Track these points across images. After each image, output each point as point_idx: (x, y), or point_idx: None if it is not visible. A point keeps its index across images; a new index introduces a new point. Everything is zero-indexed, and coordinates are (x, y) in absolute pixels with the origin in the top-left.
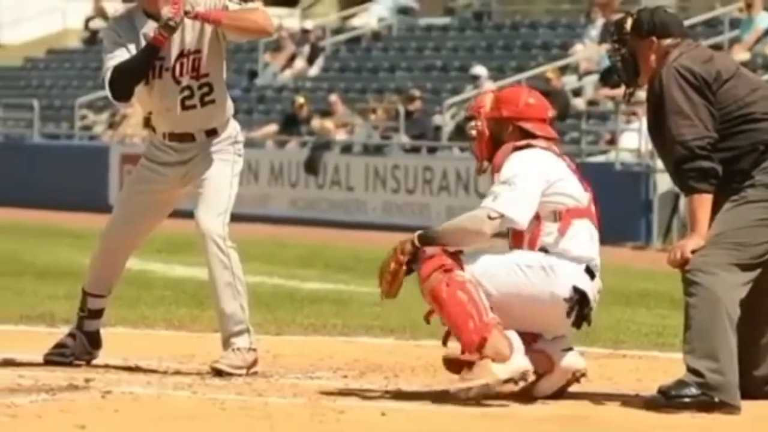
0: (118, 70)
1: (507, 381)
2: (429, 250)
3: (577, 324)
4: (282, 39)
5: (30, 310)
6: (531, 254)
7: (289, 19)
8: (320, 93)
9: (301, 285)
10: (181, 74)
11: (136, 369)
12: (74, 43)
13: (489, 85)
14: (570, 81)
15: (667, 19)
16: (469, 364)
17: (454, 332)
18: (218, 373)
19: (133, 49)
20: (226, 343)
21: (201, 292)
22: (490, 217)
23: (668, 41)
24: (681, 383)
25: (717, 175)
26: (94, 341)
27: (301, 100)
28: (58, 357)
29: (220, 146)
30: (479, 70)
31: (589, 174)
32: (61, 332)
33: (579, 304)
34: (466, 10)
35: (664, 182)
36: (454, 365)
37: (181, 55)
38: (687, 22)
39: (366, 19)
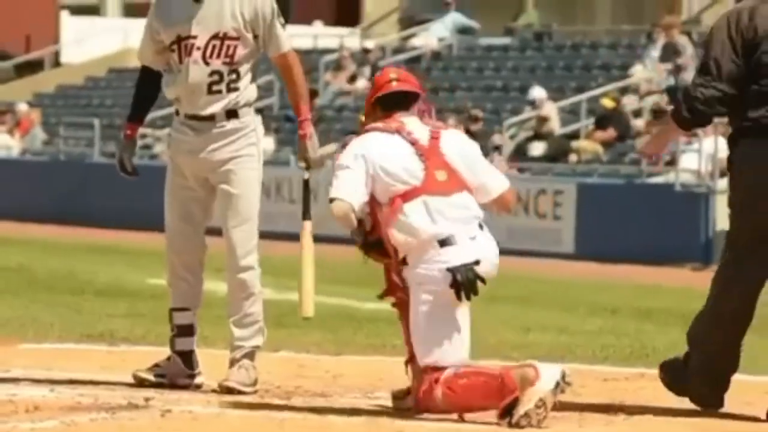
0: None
1: (556, 388)
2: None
3: (466, 295)
4: (343, 58)
5: (90, 328)
6: (415, 291)
7: (349, 39)
8: None
9: (360, 305)
10: (211, 57)
11: (195, 388)
12: (135, 63)
13: (549, 106)
14: (630, 102)
15: None
16: (514, 402)
17: (492, 407)
18: (229, 391)
19: (156, 34)
20: (233, 361)
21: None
22: (331, 202)
23: None
24: None
25: None
26: (189, 360)
27: (362, 118)
28: (144, 373)
29: (240, 135)
30: (537, 92)
31: (649, 195)
32: (121, 351)
33: (461, 279)
34: (526, 30)
35: (723, 203)
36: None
37: (215, 37)
38: None
39: (426, 39)
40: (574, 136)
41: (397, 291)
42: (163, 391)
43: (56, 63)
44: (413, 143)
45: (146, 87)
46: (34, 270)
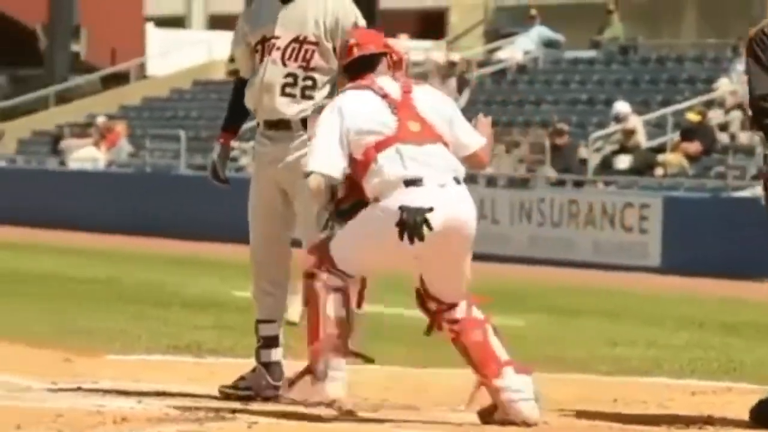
0: (235, 83)
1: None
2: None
3: (409, 236)
4: (428, 71)
5: (177, 340)
6: (365, 209)
7: (435, 52)
8: None
9: None
10: (289, 59)
11: (281, 399)
12: (220, 75)
13: (635, 120)
14: (716, 115)
15: None
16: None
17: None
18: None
19: (246, 37)
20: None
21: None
22: (305, 176)
23: None
24: None
25: None
26: (275, 372)
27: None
28: (230, 389)
29: None
30: (620, 107)
31: (735, 208)
32: (208, 362)
33: (407, 220)
34: (612, 43)
35: None
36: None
37: (296, 40)
38: None
39: (512, 52)
40: (660, 149)
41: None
42: (249, 403)
43: (142, 75)
44: (384, 96)
45: (241, 97)
46: (121, 282)
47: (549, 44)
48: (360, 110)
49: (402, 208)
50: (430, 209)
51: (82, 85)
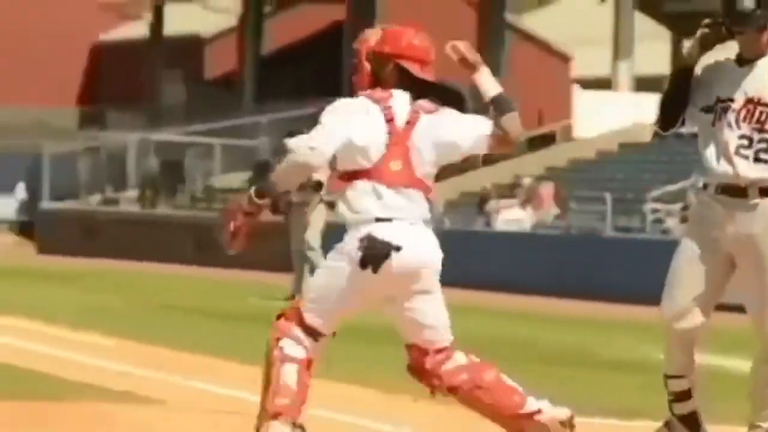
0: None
1: None
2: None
3: (362, 262)
4: None
5: (604, 402)
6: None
7: None
8: None
9: None
10: (744, 120)
11: None
12: (646, 137)
13: None
14: None
15: None
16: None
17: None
18: None
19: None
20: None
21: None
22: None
23: None
24: None
25: None
26: (691, 423)
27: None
28: None
29: None
30: None
31: None
32: (624, 425)
33: (370, 246)
34: None
35: None
36: None
37: (750, 101)
38: None
39: None
40: None
41: None
42: None
43: (568, 137)
44: (389, 120)
45: None
46: (536, 342)
47: None
48: (362, 127)
49: (367, 236)
50: (398, 248)
51: None
